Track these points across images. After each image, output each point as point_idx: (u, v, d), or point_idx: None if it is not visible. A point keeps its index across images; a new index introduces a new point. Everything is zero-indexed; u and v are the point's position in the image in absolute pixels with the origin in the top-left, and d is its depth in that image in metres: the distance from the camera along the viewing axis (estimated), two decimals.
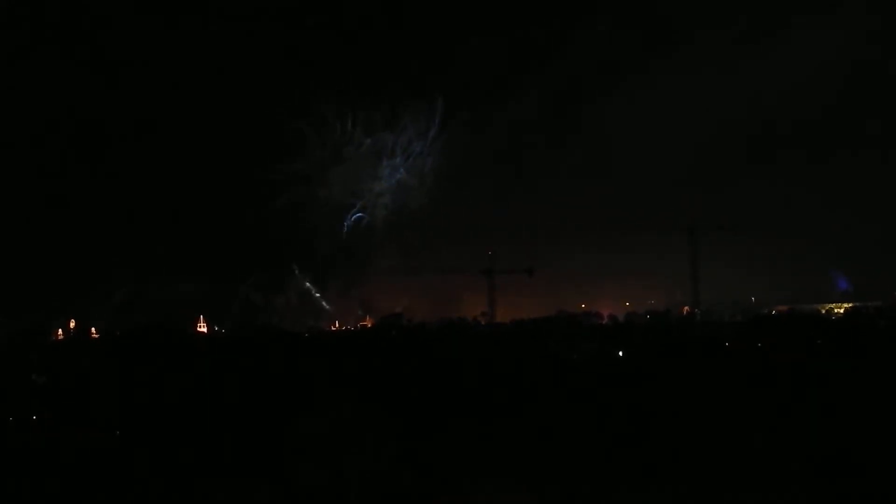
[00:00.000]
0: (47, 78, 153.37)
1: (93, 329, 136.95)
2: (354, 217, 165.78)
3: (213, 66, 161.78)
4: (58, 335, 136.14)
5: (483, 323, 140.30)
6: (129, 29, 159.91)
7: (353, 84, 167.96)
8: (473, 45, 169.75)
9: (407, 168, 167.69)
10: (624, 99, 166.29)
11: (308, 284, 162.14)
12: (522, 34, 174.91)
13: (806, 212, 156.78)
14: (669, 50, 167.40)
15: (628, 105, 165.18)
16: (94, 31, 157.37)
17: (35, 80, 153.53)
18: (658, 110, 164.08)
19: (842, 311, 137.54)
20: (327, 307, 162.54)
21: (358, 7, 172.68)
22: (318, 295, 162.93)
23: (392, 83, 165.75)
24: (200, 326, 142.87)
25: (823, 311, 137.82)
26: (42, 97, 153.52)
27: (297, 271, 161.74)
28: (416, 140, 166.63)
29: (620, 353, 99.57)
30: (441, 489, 54.93)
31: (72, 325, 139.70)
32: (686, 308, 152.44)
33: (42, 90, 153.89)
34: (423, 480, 55.84)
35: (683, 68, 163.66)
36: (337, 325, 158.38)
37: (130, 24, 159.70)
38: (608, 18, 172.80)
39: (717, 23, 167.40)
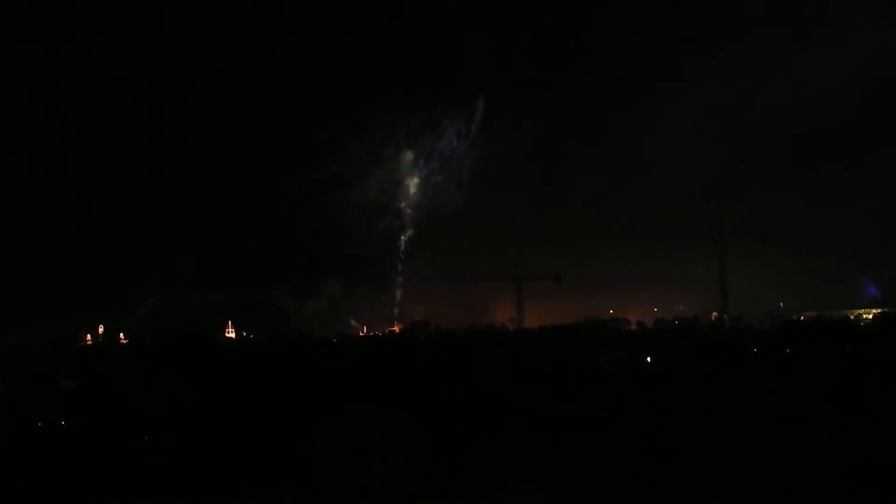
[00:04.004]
0: (79, 83, 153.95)
1: (121, 335, 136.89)
2: (388, 222, 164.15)
3: (248, 70, 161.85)
4: (87, 341, 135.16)
5: (511, 329, 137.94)
6: (165, 37, 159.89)
7: (392, 87, 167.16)
8: (509, 49, 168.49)
9: (443, 173, 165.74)
10: (655, 107, 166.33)
11: (339, 290, 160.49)
12: (559, 40, 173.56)
13: (835, 219, 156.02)
14: (702, 59, 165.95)
15: (659, 113, 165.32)
16: (128, 39, 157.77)
17: (66, 85, 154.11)
18: (688, 118, 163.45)
19: (870, 316, 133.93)
20: (357, 313, 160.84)
21: (396, 10, 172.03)
22: (348, 300, 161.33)
23: (430, 87, 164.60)
24: (229, 332, 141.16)
25: (852, 317, 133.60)
26: (73, 103, 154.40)
27: (328, 276, 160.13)
28: (454, 144, 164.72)
29: (648, 360, 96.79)
30: (466, 497, 52.88)
31: (100, 330, 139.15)
32: (714, 314, 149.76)
33: (74, 96, 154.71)
34: (448, 488, 54.05)
35: (715, 77, 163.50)
36: (365, 330, 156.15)
37: (166, 31, 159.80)
38: (641, 27, 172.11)
39: (750, 33, 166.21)
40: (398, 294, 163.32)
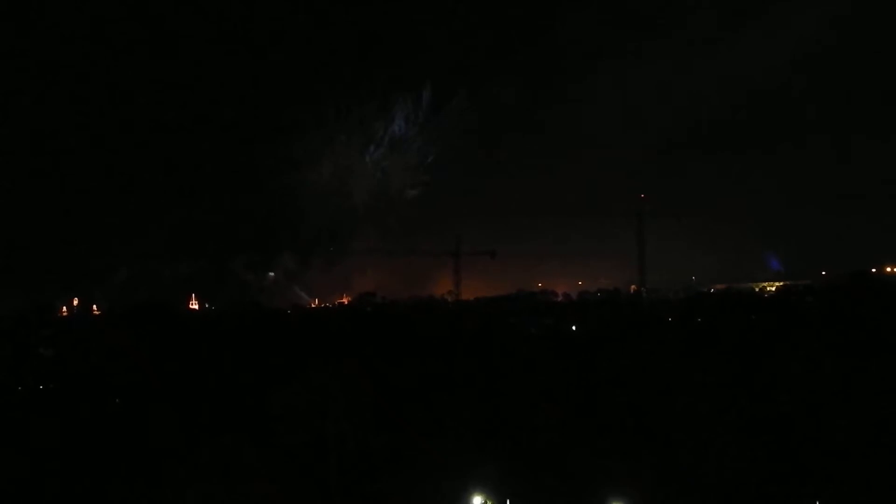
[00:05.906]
0: (52, 63, 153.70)
1: (94, 306, 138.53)
2: (340, 202, 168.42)
3: (212, 54, 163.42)
4: (62, 312, 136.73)
5: (450, 300, 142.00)
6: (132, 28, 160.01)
7: (347, 73, 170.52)
8: (457, 37, 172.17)
9: (391, 155, 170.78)
10: (584, 94, 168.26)
11: (293, 264, 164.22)
12: (495, 29, 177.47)
13: (745, 199, 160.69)
14: (633, 47, 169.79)
15: (587, 100, 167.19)
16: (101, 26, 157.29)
17: (39, 64, 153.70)
18: (615, 108, 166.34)
19: (773, 288, 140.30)
20: (309, 286, 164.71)
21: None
22: (301, 274, 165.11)
23: (382, 75, 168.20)
24: (192, 304, 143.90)
25: (757, 289, 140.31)
26: (47, 83, 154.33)
27: (283, 252, 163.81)
28: (404, 129, 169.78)
29: (574, 328, 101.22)
30: (412, 449, 57.47)
31: (75, 302, 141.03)
32: (634, 286, 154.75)
33: (47, 76, 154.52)
34: (395, 441, 58.18)
35: (645, 64, 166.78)
36: (317, 301, 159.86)
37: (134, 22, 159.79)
38: (574, 16, 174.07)
39: (678, 22, 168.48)
40: (348, 268, 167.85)
